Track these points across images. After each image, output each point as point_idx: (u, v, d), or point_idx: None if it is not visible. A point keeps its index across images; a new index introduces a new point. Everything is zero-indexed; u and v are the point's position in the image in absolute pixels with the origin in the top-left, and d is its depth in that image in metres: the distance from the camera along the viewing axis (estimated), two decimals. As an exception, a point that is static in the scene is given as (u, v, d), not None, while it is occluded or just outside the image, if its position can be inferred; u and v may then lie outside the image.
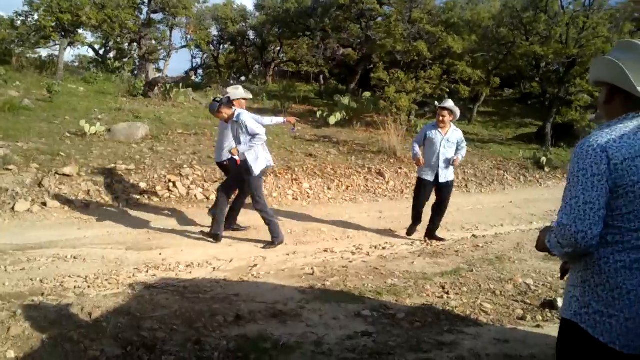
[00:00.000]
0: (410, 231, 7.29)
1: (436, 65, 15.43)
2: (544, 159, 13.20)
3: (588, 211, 1.80)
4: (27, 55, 18.64)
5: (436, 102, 7.50)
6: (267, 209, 6.49)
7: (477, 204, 9.88)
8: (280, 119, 7.67)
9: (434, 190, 7.16)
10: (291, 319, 4.20)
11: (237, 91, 6.99)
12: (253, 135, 6.10)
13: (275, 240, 6.46)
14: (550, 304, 4.78)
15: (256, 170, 6.24)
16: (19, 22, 18.01)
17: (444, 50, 15.66)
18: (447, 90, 15.38)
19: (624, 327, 1.83)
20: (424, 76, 14.76)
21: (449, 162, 6.95)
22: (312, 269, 5.57)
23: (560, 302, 4.70)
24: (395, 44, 14.72)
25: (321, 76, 24.65)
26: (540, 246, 2.10)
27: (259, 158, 6.28)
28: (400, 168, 11.03)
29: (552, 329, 4.24)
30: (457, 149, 7.07)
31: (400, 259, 6.14)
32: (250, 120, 6.21)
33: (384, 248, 6.61)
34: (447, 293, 5.00)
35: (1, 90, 12.54)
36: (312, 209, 8.64)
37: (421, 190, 7.16)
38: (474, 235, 7.39)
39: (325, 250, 6.40)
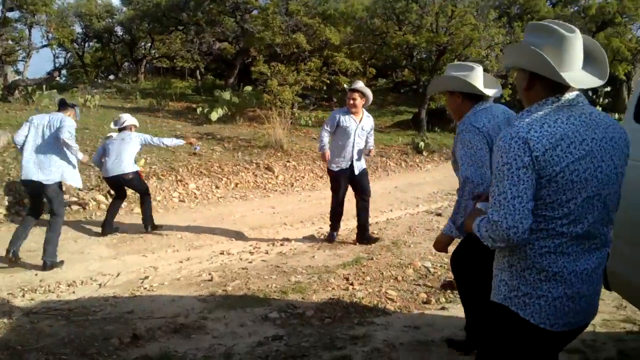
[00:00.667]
0: (331, 238, 6.50)
1: (315, 57, 15.46)
2: (421, 143, 13.74)
3: (517, 205, 1.78)
4: None
5: (345, 85, 7.17)
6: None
7: (365, 192, 10.02)
8: (180, 141, 7.56)
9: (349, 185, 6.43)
10: (195, 332, 3.91)
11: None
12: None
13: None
14: (450, 284, 4.89)
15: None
16: None
17: (322, 42, 15.73)
18: (328, 81, 15.49)
19: (552, 306, 1.87)
20: (305, 68, 14.73)
21: (361, 154, 6.30)
22: (210, 274, 5.27)
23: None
24: (274, 37, 14.53)
25: (197, 72, 23.87)
26: (468, 228, 2.07)
27: None
28: (289, 161, 10.92)
29: (457, 310, 4.33)
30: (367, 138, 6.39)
31: (300, 253, 6.01)
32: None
33: (282, 244, 6.43)
34: (352, 284, 4.95)
35: None
36: (201, 210, 8.26)
37: (340, 184, 6.36)
38: (367, 223, 7.44)
39: (222, 253, 6.10)
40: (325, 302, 4.53)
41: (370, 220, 7.54)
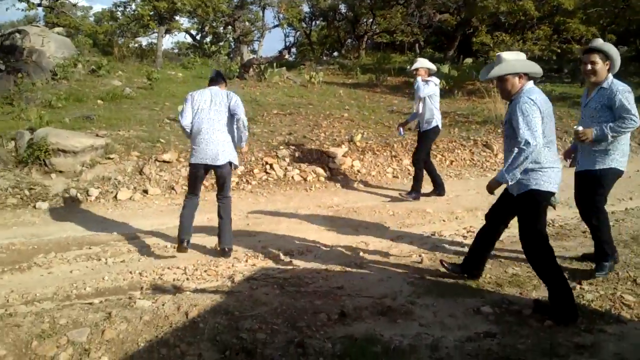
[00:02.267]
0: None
1: (544, 25, 14.13)
2: (675, 121, 11.71)
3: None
4: (128, 45, 19.32)
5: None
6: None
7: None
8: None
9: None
10: (402, 317, 3.77)
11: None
12: None
13: None
14: None
15: None
16: (118, 13, 18.69)
17: (552, 8, 14.32)
18: (558, 50, 14.07)
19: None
20: (532, 37, 13.56)
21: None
22: (420, 256, 5.10)
23: None
24: (499, 5, 13.61)
25: (416, 45, 23.62)
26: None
27: None
28: (510, 139, 10.17)
29: None
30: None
31: (517, 242, 5.47)
32: None
33: (499, 231, 5.95)
34: (580, 283, 4.35)
35: (105, 80, 12.98)
36: (414, 187, 8.10)
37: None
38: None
39: (433, 234, 5.87)
40: (547, 301, 4.03)
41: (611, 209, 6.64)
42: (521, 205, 3.89)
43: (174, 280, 4.62)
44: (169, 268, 4.88)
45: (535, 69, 3.85)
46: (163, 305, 3.64)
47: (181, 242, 5.05)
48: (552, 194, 3.79)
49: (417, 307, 3.95)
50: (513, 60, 3.83)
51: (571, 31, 14.11)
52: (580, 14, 14.72)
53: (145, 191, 7.21)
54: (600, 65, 4.33)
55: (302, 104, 11.95)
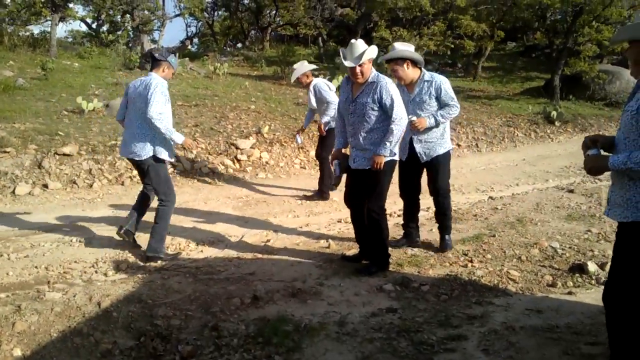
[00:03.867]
0: None
1: (439, 21, 14.95)
2: (554, 113, 12.88)
3: None
4: (19, 34, 18.12)
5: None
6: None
7: (489, 163, 9.63)
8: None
9: None
10: (311, 298, 4.00)
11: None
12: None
13: None
14: (579, 268, 4.58)
15: None
16: (7, 0, 17.47)
17: (446, 5, 15.18)
18: (451, 46, 14.94)
19: None
20: (427, 33, 14.30)
21: None
22: (327, 241, 5.35)
23: (591, 267, 4.49)
24: (397, 0, 14.21)
25: (319, 38, 24.03)
26: (600, 170, 2.55)
27: None
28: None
29: (585, 296, 4.05)
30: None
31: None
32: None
33: (399, 216, 6.34)
34: (471, 261, 4.79)
35: (-6, 70, 12.17)
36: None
37: None
38: (490, 197, 7.14)
39: (339, 221, 6.16)
40: (442, 277, 4.42)
41: (494, 195, 7.26)
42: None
43: (82, 273, 4.55)
44: (75, 262, 4.79)
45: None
46: (74, 296, 3.61)
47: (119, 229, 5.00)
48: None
49: (325, 288, 4.19)
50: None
51: (463, 27, 15.00)
52: (471, 11, 15.69)
53: (46, 185, 6.94)
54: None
55: (208, 96, 11.87)
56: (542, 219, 6.01)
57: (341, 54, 4.42)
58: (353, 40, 4.43)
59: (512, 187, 7.85)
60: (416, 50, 12.82)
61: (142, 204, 5.12)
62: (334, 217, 6.34)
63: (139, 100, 4.67)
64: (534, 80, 18.25)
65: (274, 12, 24.71)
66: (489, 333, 3.43)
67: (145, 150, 4.70)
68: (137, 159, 4.76)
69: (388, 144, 4.27)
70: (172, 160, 5.23)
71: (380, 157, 4.29)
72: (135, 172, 7.53)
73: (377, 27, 15.39)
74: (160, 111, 4.57)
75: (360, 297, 4.04)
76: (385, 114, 4.31)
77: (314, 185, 7.52)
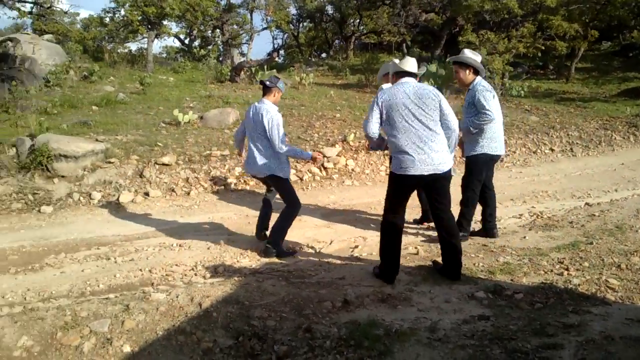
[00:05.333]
0: None
1: (528, 22, 14.46)
2: (655, 114, 12.10)
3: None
4: (118, 51, 19.45)
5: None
6: None
7: (585, 169, 9.20)
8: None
9: None
10: (401, 303, 4.01)
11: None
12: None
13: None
14: (687, 277, 4.29)
15: None
16: (107, 19, 18.81)
17: (535, 5, 14.66)
18: (542, 47, 14.40)
19: None
20: (516, 35, 13.87)
21: None
22: (416, 248, 5.35)
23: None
24: (483, 3, 13.93)
25: (403, 45, 23.94)
26: None
27: None
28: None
29: (690, 306, 3.80)
30: None
31: (510, 233, 5.76)
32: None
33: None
34: (567, 269, 4.61)
35: (97, 86, 13.14)
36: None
37: None
38: (587, 204, 6.82)
39: (428, 228, 6.13)
40: (536, 285, 4.29)
41: (591, 201, 6.95)
42: None
43: (182, 276, 4.83)
44: (176, 265, 5.09)
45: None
46: (177, 297, 3.85)
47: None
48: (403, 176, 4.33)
49: (415, 294, 4.19)
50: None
51: (554, 28, 14.43)
52: (562, 11, 15.06)
53: (147, 193, 7.40)
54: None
55: (295, 106, 12.18)
56: (644, 226, 5.69)
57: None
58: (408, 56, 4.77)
59: (611, 192, 7.47)
60: (505, 52, 12.67)
61: (265, 205, 5.88)
62: (422, 225, 6.30)
63: (259, 127, 5.29)
64: (632, 81, 17.21)
65: (357, 20, 24.93)
66: (586, 342, 3.30)
67: (265, 169, 5.33)
68: (261, 176, 5.48)
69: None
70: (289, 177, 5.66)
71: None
72: (227, 181, 7.89)
73: (463, 31, 15.10)
74: (282, 140, 5.25)
75: (451, 304, 4.01)
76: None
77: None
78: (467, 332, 3.54)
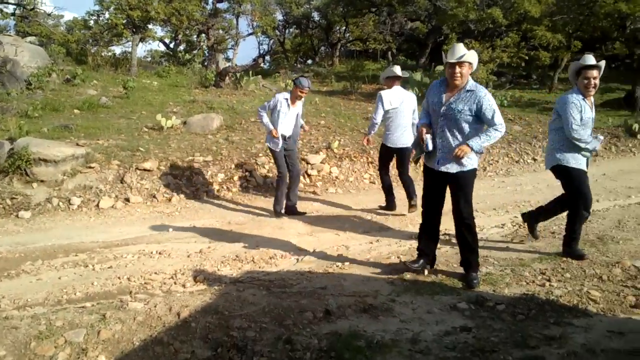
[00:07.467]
0: None
1: (512, 32, 14.61)
2: (636, 125, 12.26)
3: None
4: (102, 54, 19.27)
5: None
6: None
7: (567, 179, 9.25)
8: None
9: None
10: (383, 314, 3.98)
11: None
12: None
13: None
14: (667, 289, 4.32)
15: None
16: (91, 22, 18.65)
17: (520, 16, 14.81)
18: (526, 57, 14.55)
19: None
20: (500, 44, 14.00)
21: None
22: (398, 257, 5.33)
23: (680, 288, 4.23)
24: (468, 13, 14.03)
25: (389, 53, 24.05)
26: None
27: None
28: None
29: (672, 319, 3.82)
30: None
31: (492, 244, 5.77)
32: None
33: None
34: (549, 280, 4.62)
35: (80, 89, 12.99)
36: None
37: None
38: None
39: (410, 237, 6.11)
40: (518, 297, 4.29)
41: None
42: None
43: (161, 284, 4.76)
44: (155, 273, 5.01)
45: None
46: (155, 306, 3.78)
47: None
48: None
49: (397, 305, 4.17)
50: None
51: (538, 38, 14.59)
52: (546, 22, 15.23)
53: (127, 199, 7.31)
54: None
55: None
56: (624, 237, 5.74)
57: (443, 55, 4.46)
58: (456, 43, 4.59)
59: (593, 203, 7.51)
60: (489, 62, 12.74)
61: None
62: (404, 233, 6.30)
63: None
64: (614, 92, 17.45)
65: (343, 28, 25.01)
66: (568, 355, 3.30)
67: None
68: None
69: (480, 140, 4.37)
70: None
71: (467, 147, 4.34)
72: (210, 187, 7.81)
73: (447, 40, 15.23)
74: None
75: (433, 315, 4.00)
76: (480, 121, 4.41)
77: (383, 201, 7.50)
78: (448, 343, 3.52)
